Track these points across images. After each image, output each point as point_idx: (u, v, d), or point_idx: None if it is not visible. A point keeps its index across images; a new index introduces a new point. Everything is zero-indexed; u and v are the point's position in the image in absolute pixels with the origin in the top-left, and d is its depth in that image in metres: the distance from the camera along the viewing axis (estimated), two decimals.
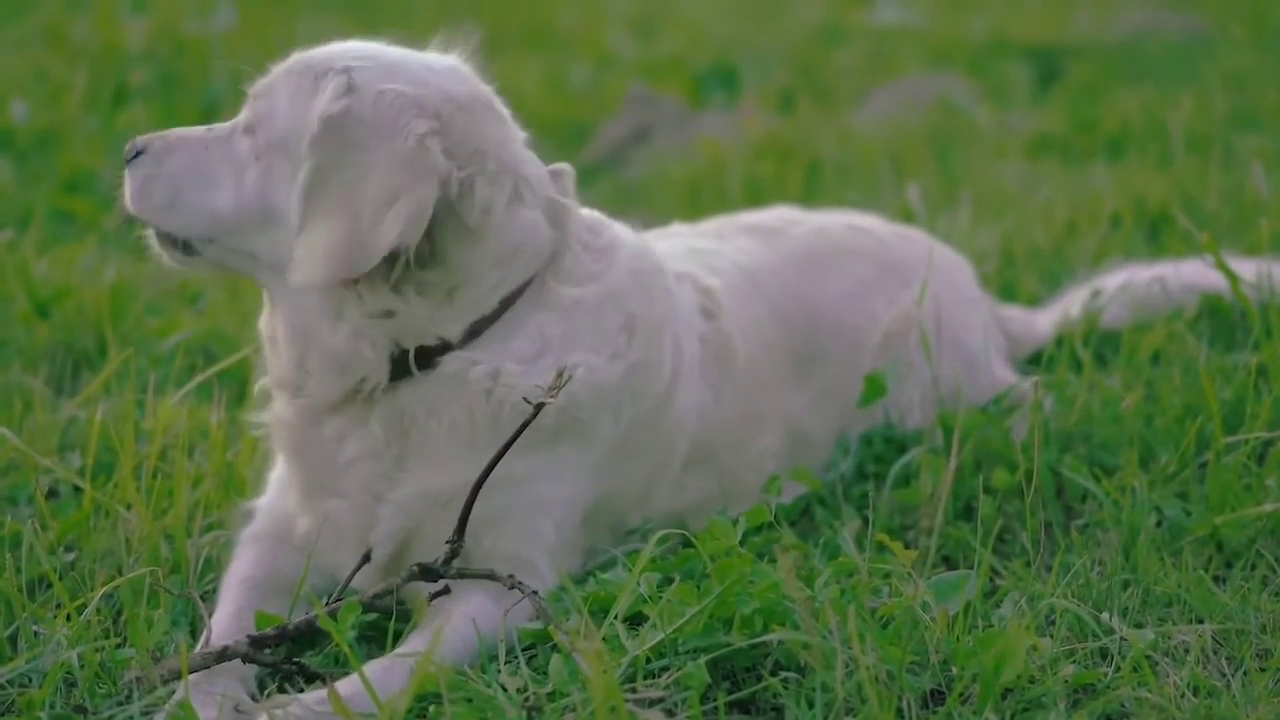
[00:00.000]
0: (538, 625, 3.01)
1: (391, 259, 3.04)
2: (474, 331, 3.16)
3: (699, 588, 2.93)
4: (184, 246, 3.29)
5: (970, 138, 7.34)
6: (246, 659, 2.94)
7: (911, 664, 2.87)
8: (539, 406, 3.02)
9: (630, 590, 2.96)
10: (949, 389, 3.83)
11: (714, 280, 3.66)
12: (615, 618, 2.93)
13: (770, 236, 3.99)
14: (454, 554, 3.05)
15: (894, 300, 3.99)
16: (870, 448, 3.89)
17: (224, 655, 2.92)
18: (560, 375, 3.05)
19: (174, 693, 2.85)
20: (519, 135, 3.28)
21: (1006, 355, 4.26)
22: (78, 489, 3.66)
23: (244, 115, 3.25)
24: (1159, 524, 3.49)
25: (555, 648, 2.89)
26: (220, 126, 3.28)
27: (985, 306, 4.27)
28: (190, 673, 2.83)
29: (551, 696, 2.76)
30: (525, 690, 2.79)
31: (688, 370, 3.47)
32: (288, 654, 3.05)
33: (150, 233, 3.35)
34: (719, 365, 3.57)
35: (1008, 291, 4.92)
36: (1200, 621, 3.14)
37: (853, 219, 4.26)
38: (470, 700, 2.75)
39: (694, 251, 3.79)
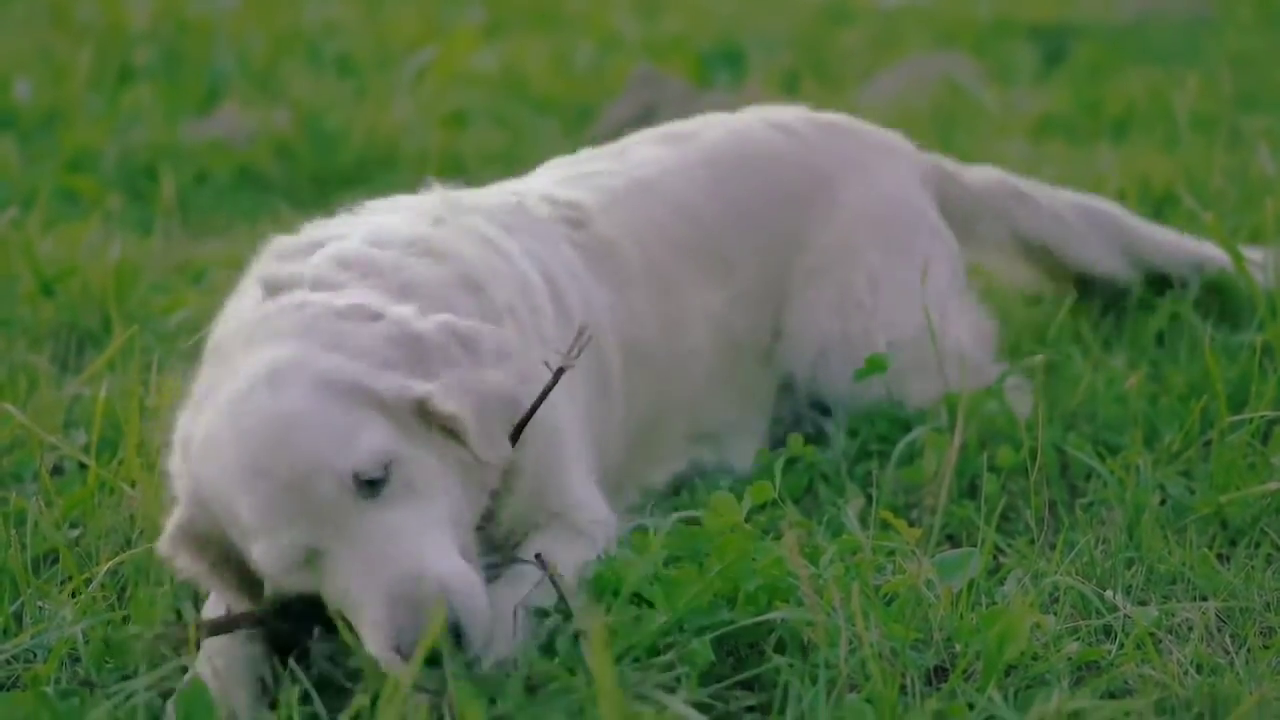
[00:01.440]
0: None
1: None
2: None
3: (702, 565, 2.93)
4: None
5: (975, 118, 7.32)
6: (255, 624, 2.92)
7: (915, 641, 2.87)
8: (559, 372, 3.01)
9: (636, 572, 2.95)
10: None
11: (577, 193, 3.70)
12: (616, 594, 2.92)
13: (681, 141, 4.00)
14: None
15: (827, 220, 3.98)
16: (873, 426, 3.88)
17: (233, 623, 2.91)
18: (581, 334, 3.04)
19: (185, 669, 2.85)
20: None
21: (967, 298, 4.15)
22: (82, 466, 3.66)
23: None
24: (1163, 502, 3.49)
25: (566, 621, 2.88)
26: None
27: (930, 235, 4.09)
28: (203, 637, 2.84)
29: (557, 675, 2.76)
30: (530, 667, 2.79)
31: (566, 269, 3.49)
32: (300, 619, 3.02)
33: None
34: (610, 266, 3.62)
35: None
36: (1204, 599, 3.14)
37: (773, 114, 4.19)
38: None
39: (575, 177, 3.81)
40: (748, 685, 2.84)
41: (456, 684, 2.63)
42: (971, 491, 3.60)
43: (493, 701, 2.67)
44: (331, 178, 6.52)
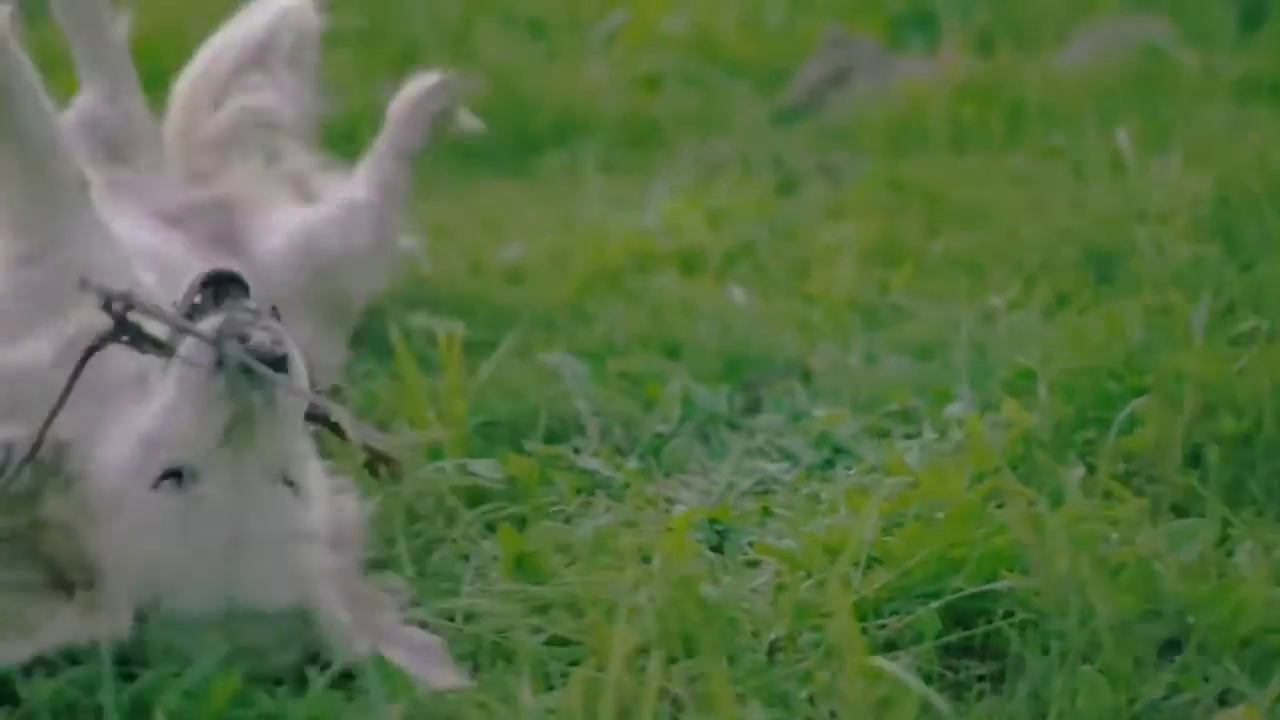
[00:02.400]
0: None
1: None
2: None
3: (930, 527, 2.93)
4: None
5: (1175, 80, 7.18)
6: None
7: (1145, 613, 2.84)
8: None
9: (860, 534, 2.96)
10: None
11: None
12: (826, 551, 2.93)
13: None
14: None
15: None
16: (1089, 393, 3.81)
17: None
18: None
19: None
20: None
21: None
22: None
23: None
24: None
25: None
26: None
27: None
28: None
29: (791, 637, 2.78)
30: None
31: None
32: None
33: None
34: None
35: (1228, 236, 4.80)
36: None
37: None
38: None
39: None
40: (977, 653, 2.84)
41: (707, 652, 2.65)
42: (1194, 460, 3.53)
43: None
44: (529, 142, 6.55)
